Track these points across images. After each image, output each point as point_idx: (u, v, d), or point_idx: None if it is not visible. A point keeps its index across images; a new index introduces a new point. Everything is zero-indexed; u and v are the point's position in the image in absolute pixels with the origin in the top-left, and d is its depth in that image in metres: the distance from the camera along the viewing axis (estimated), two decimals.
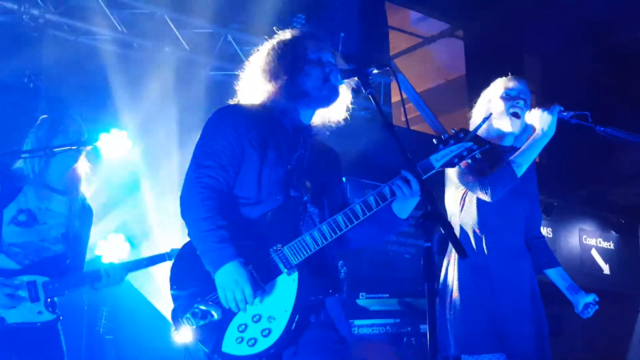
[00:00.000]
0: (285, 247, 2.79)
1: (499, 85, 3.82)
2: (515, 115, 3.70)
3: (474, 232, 3.66)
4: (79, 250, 4.22)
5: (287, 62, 3.01)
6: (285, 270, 2.78)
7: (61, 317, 4.04)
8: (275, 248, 2.79)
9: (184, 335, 2.75)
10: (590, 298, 3.77)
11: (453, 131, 2.84)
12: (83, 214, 4.26)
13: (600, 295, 3.82)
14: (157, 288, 6.75)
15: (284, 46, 3.06)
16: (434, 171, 2.82)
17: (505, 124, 3.73)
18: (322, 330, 2.87)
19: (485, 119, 3.34)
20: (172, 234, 6.86)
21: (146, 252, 6.67)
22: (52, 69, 6.53)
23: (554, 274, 3.88)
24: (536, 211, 3.91)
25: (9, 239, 3.93)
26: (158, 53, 7.08)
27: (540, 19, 10.01)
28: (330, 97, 3.03)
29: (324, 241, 2.79)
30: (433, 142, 2.85)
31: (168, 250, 4.31)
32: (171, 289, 2.80)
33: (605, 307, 3.94)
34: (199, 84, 7.16)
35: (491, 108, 3.76)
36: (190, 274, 2.80)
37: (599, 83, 9.78)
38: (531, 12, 10.04)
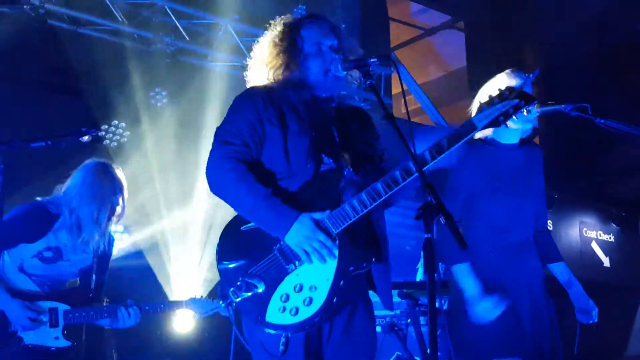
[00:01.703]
0: (325, 217, 2.79)
1: (501, 83, 3.72)
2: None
3: (482, 234, 3.60)
4: (99, 281, 4.30)
5: (285, 58, 3.04)
6: None
7: (75, 344, 4.14)
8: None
9: (230, 308, 2.83)
10: (592, 311, 3.78)
11: (498, 90, 2.79)
12: (107, 247, 4.32)
13: (600, 288, 3.82)
14: (159, 278, 6.77)
15: (281, 40, 3.08)
16: (477, 131, 2.78)
17: (514, 124, 3.66)
18: (362, 324, 2.92)
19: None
20: (172, 228, 6.86)
21: (143, 241, 6.67)
22: (53, 59, 6.52)
23: (556, 269, 3.88)
24: (542, 206, 3.85)
25: (29, 269, 4.06)
26: (158, 44, 7.07)
27: (540, 12, 10.00)
28: (333, 87, 3.07)
29: (363, 209, 2.78)
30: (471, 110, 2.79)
31: (186, 299, 4.41)
32: (218, 264, 2.87)
33: (605, 300, 3.94)
34: (199, 74, 7.15)
35: None
36: (234, 249, 2.87)
37: (599, 75, 9.77)
38: (532, 4, 10.02)
